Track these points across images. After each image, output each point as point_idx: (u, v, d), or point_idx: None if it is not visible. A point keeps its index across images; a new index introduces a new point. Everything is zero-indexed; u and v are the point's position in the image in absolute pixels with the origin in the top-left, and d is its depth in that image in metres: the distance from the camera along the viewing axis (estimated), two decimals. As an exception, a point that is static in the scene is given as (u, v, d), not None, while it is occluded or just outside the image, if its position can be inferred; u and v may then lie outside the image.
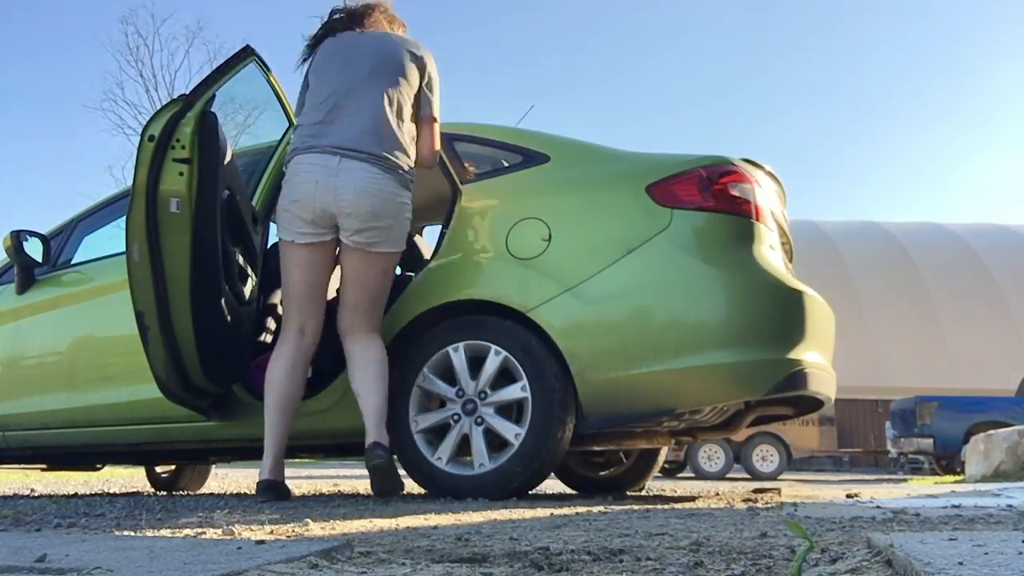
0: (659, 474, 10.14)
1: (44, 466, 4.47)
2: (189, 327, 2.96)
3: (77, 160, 32.21)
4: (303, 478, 7.62)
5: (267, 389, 2.88)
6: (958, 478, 7.78)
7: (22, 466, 4.76)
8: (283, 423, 2.87)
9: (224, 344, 3.07)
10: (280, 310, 4.06)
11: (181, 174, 2.90)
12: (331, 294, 4.10)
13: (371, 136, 2.81)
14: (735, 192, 2.90)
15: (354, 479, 7.24)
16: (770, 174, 3.25)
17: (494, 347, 2.87)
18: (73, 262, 4.01)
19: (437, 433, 2.93)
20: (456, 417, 2.89)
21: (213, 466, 6.03)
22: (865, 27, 41.83)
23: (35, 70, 29.86)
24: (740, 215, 2.89)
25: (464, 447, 2.89)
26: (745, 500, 3.10)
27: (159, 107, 2.99)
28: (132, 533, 1.80)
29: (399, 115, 2.89)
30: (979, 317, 18.27)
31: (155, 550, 1.36)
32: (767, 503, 2.85)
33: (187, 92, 2.95)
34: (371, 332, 2.96)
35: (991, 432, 6.29)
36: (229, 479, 7.12)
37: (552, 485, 4.63)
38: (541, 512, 2.30)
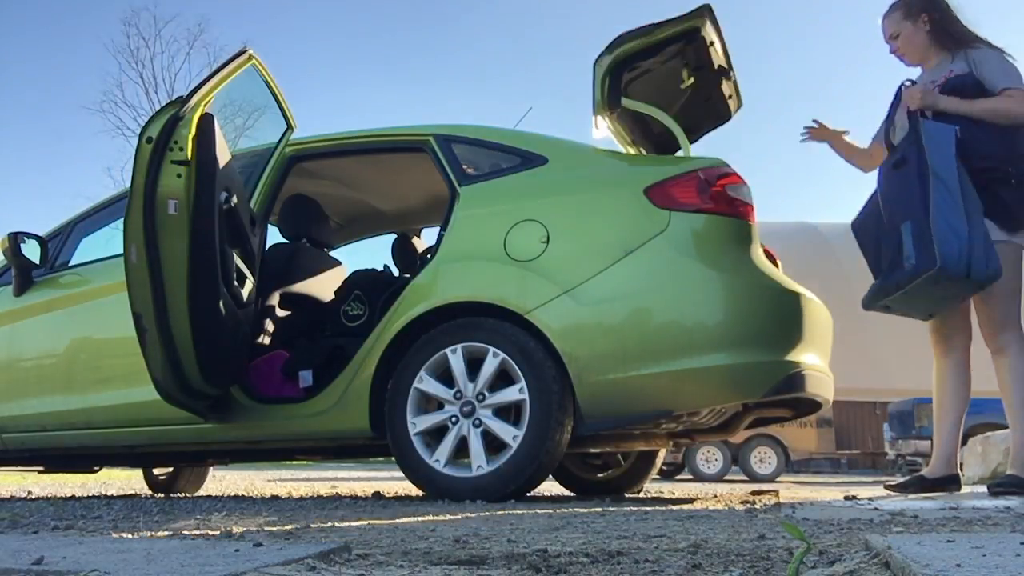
0: (657, 476, 10.15)
1: (41, 468, 4.46)
2: (187, 329, 2.95)
3: (75, 161, 32.16)
4: (301, 480, 7.61)
5: None
6: (997, 479, 7.76)
7: (19, 468, 4.75)
8: None
9: (222, 346, 3.07)
10: (278, 312, 4.07)
11: (179, 176, 2.90)
12: (330, 295, 4.11)
13: None
14: (733, 194, 2.90)
15: (352, 481, 7.24)
16: None
17: (492, 349, 2.87)
18: (71, 264, 4.01)
19: (435, 435, 2.93)
20: (454, 419, 2.89)
21: (211, 468, 6.02)
22: (865, 25, 41.94)
23: (34, 71, 29.83)
24: (738, 217, 2.89)
25: (462, 449, 2.89)
26: (743, 502, 3.10)
27: (158, 109, 2.99)
28: (129, 535, 1.80)
29: None
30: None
31: (152, 552, 1.35)
32: (765, 505, 2.85)
33: (186, 94, 2.95)
34: None
35: (988, 434, 6.29)
36: (227, 481, 7.11)
37: (550, 487, 4.63)
38: (539, 514, 2.30)
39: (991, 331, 3.13)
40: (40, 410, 3.74)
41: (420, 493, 3.20)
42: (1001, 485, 3.06)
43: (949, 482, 3.31)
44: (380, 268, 4.08)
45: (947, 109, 3.08)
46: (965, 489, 3.38)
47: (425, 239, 4.60)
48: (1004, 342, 3.11)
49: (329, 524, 2.05)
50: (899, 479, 3.44)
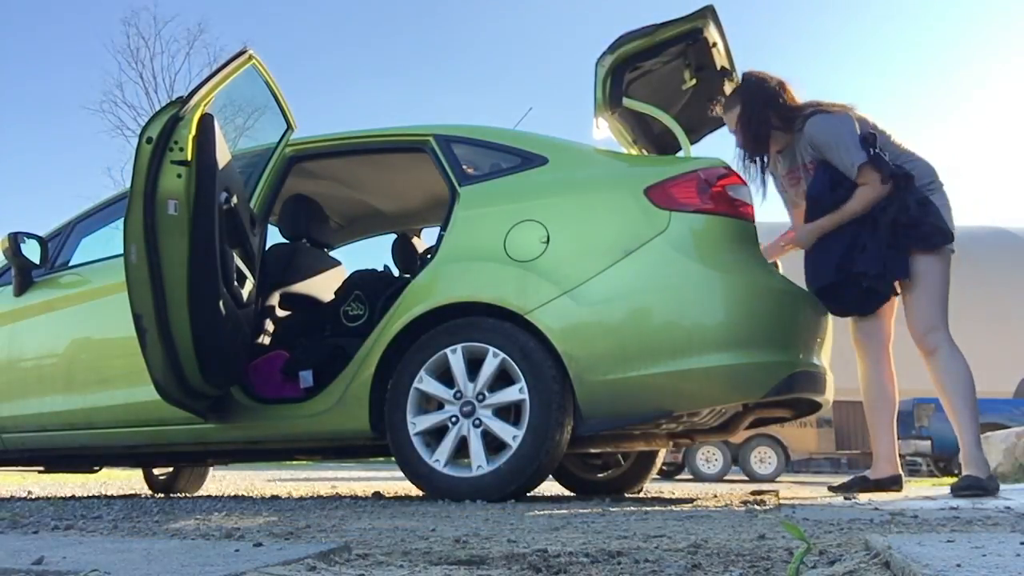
0: (657, 476, 10.14)
1: (41, 468, 4.46)
2: (187, 330, 2.95)
3: (75, 161, 32.15)
4: (301, 480, 7.61)
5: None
6: (956, 480, 7.76)
7: (19, 468, 4.75)
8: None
9: (222, 346, 3.06)
10: (278, 312, 4.07)
11: (179, 176, 2.90)
12: (330, 295, 4.11)
13: None
14: (733, 194, 2.90)
15: (352, 481, 7.24)
16: None
17: (492, 349, 2.87)
18: (71, 264, 4.01)
19: (435, 435, 2.93)
20: (454, 419, 2.89)
21: (211, 468, 6.02)
22: (865, 24, 41.92)
23: (34, 71, 29.84)
24: (739, 217, 2.89)
25: (462, 449, 2.89)
26: (743, 502, 3.10)
27: (158, 109, 2.99)
28: (130, 535, 1.80)
29: None
30: (977, 319, 18.17)
31: (152, 552, 1.35)
32: (765, 505, 2.85)
33: (186, 94, 2.95)
34: None
35: (988, 434, 6.28)
36: (227, 481, 7.11)
37: (550, 487, 4.63)
38: (539, 514, 2.30)
39: (922, 332, 3.21)
40: (40, 410, 3.74)
41: (420, 493, 3.20)
42: (964, 488, 3.08)
43: (891, 482, 3.34)
44: (380, 268, 4.08)
45: (830, 228, 3.22)
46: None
47: (425, 239, 4.60)
48: (935, 342, 3.20)
49: (329, 524, 2.05)
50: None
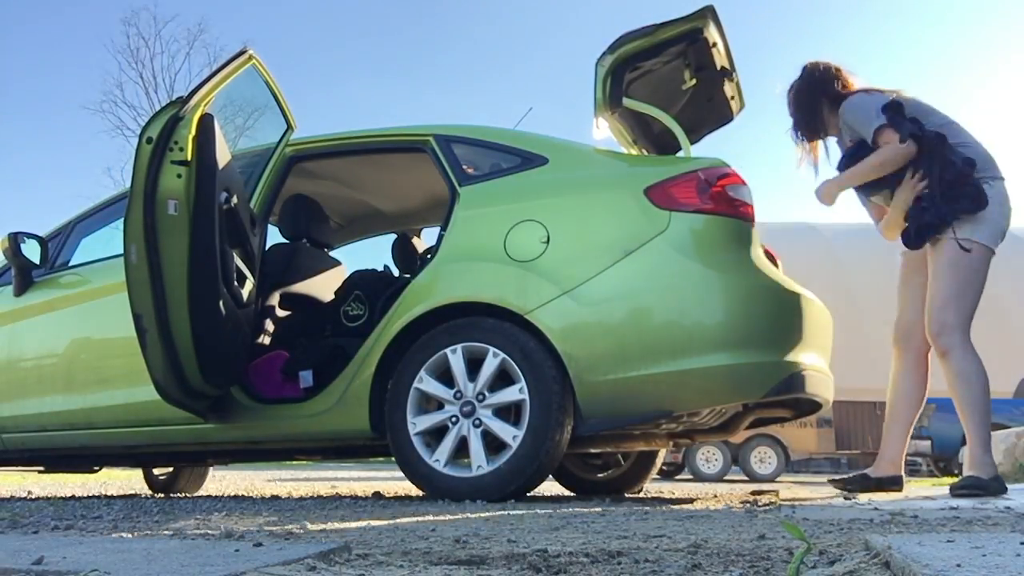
0: (657, 476, 10.14)
1: (41, 468, 4.46)
2: (187, 329, 2.95)
3: (75, 161, 32.16)
4: (301, 480, 7.61)
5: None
6: (956, 480, 7.76)
7: (19, 468, 4.75)
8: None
9: (222, 346, 3.07)
10: (278, 312, 4.07)
11: (179, 176, 2.90)
12: (330, 295, 4.11)
13: None
14: (733, 194, 2.90)
15: (352, 481, 7.24)
16: None
17: (492, 349, 2.87)
18: (71, 264, 4.01)
19: (435, 435, 2.93)
20: (454, 419, 2.89)
21: (211, 468, 6.02)
22: (865, 24, 41.89)
23: (35, 71, 29.85)
24: (738, 217, 2.89)
25: (462, 449, 2.89)
26: (743, 502, 3.10)
27: (158, 109, 2.99)
28: (129, 535, 1.80)
29: None
30: (976, 319, 18.22)
31: (152, 552, 1.35)
32: (765, 505, 2.85)
33: (186, 94, 2.95)
34: None
35: (989, 434, 6.28)
36: (227, 481, 7.11)
37: (550, 487, 4.63)
38: (539, 514, 2.30)
39: (935, 333, 3.17)
40: (40, 410, 3.74)
41: (420, 493, 3.20)
42: (963, 488, 3.08)
43: (892, 483, 3.34)
44: (380, 268, 4.08)
45: (849, 184, 3.26)
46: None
47: (425, 239, 4.60)
48: (948, 344, 3.14)
49: (329, 524, 2.05)
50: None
